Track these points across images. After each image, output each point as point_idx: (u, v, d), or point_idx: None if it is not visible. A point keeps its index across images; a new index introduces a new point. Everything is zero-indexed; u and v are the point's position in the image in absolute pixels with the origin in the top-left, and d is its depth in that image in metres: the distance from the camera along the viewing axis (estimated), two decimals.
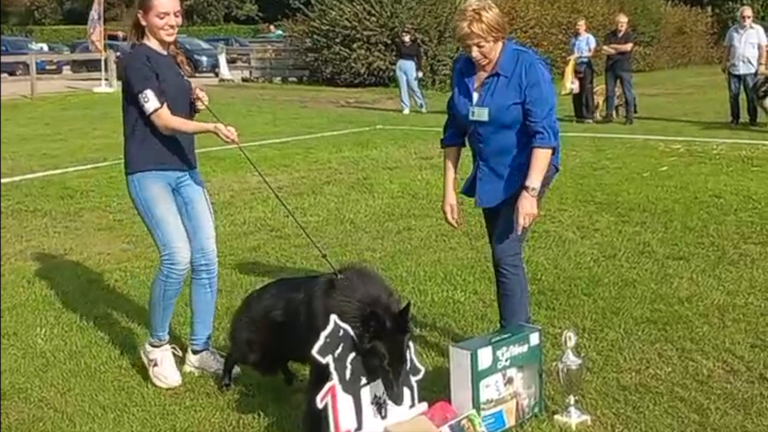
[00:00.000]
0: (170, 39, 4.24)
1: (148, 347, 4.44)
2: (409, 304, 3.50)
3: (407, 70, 19.19)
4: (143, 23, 4.21)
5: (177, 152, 4.30)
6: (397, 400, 3.38)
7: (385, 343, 3.33)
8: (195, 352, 4.51)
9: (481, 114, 4.12)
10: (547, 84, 4.11)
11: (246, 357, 4.15)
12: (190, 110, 4.37)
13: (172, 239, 4.22)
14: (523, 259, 6.27)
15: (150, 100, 4.08)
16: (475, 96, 4.16)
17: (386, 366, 3.34)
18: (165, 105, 4.12)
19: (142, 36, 4.26)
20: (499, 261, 4.25)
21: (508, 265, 4.24)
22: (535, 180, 4.04)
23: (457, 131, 4.35)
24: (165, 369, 4.35)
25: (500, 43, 4.08)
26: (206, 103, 4.39)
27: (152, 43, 4.24)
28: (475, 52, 4.04)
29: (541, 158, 4.05)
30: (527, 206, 4.04)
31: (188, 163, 4.39)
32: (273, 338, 3.94)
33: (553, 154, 4.11)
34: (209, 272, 4.42)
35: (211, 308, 4.53)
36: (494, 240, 4.29)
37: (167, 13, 4.16)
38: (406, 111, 19.00)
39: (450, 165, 4.41)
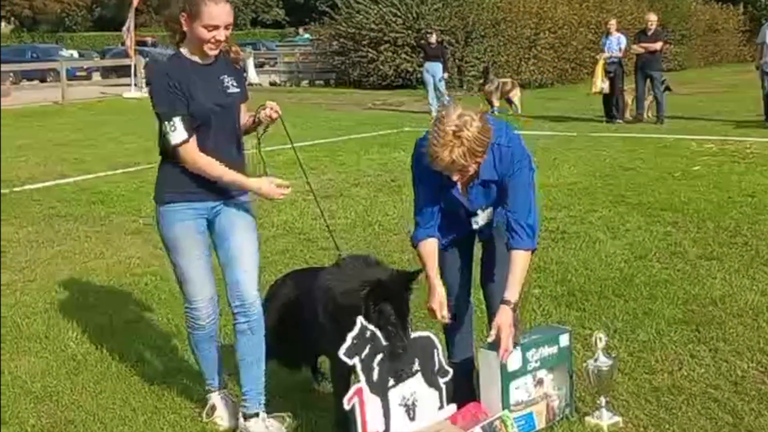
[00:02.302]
0: (214, 54, 3.63)
1: (207, 395, 4.02)
2: (419, 271, 3.59)
3: (435, 71, 19.14)
4: (185, 30, 3.58)
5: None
6: (404, 351, 3.38)
7: (390, 303, 3.37)
8: (246, 417, 3.83)
9: (487, 216, 3.76)
10: (530, 175, 3.66)
11: (272, 350, 3.98)
12: (236, 132, 3.81)
13: (195, 293, 3.74)
14: (553, 261, 6.32)
15: (177, 130, 3.53)
16: (464, 201, 3.72)
17: (392, 322, 3.36)
18: (194, 137, 3.58)
19: (181, 40, 3.65)
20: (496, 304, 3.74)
21: None
22: (515, 293, 3.58)
23: (435, 222, 3.75)
24: (221, 413, 3.94)
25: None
26: (279, 112, 3.92)
27: (191, 53, 3.64)
28: (456, 177, 3.54)
29: (519, 264, 3.60)
30: (509, 323, 3.54)
31: (229, 190, 3.74)
32: (293, 326, 3.92)
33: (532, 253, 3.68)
34: (247, 315, 3.74)
35: (257, 358, 3.81)
36: (490, 284, 3.87)
37: (217, 27, 3.53)
38: (434, 113, 18.97)
39: (431, 256, 3.73)
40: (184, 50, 3.65)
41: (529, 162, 3.66)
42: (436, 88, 19.25)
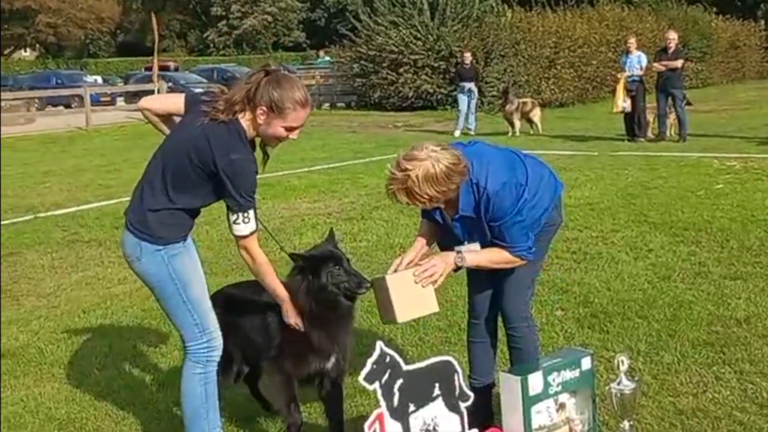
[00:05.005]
0: (275, 146, 3.61)
1: None
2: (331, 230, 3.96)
3: (471, 91, 19.14)
4: (259, 121, 3.45)
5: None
6: (364, 283, 3.69)
7: (330, 262, 3.67)
8: None
9: (473, 247, 3.76)
10: (513, 209, 3.60)
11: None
12: None
13: (210, 322, 3.64)
14: (575, 282, 6.27)
15: (250, 221, 3.44)
16: (450, 224, 3.78)
17: (342, 273, 3.67)
18: None
19: (239, 111, 3.47)
20: (510, 322, 3.94)
21: (518, 324, 3.93)
22: (472, 256, 3.68)
23: (436, 212, 3.82)
24: None
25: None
26: None
27: (248, 127, 3.49)
28: (420, 205, 3.62)
29: (500, 253, 3.66)
30: (441, 264, 3.64)
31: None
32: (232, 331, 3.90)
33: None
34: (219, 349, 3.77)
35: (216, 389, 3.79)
36: (501, 301, 3.93)
37: (295, 128, 3.50)
38: (457, 133, 18.92)
39: (419, 240, 3.91)
40: (244, 124, 3.48)
41: (515, 206, 3.59)
42: (468, 109, 19.20)
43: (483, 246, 3.74)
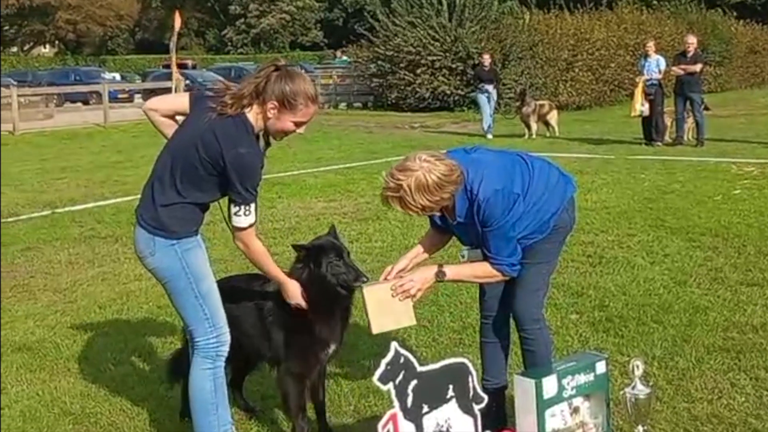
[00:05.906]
0: (279, 139, 3.69)
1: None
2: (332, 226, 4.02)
3: (491, 93, 19.12)
4: (269, 115, 3.51)
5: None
6: (361, 277, 3.74)
7: (331, 253, 3.74)
8: None
9: (473, 256, 3.79)
10: (503, 218, 3.60)
11: None
12: None
13: (220, 317, 3.66)
14: (590, 286, 6.25)
15: (251, 214, 3.49)
16: (454, 229, 3.85)
17: (342, 265, 3.74)
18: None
19: (247, 105, 3.52)
20: (522, 324, 3.93)
21: (530, 326, 3.92)
22: (452, 270, 3.73)
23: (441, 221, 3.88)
24: None
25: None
26: None
27: (255, 121, 3.54)
28: (414, 214, 3.65)
29: (482, 267, 3.69)
30: (419, 279, 3.68)
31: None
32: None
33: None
34: (226, 344, 3.78)
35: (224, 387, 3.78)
36: (513, 303, 3.91)
37: (303, 123, 3.58)
38: (490, 136, 18.76)
39: (419, 245, 3.99)
40: (251, 118, 3.53)
41: (504, 217, 3.59)
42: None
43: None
